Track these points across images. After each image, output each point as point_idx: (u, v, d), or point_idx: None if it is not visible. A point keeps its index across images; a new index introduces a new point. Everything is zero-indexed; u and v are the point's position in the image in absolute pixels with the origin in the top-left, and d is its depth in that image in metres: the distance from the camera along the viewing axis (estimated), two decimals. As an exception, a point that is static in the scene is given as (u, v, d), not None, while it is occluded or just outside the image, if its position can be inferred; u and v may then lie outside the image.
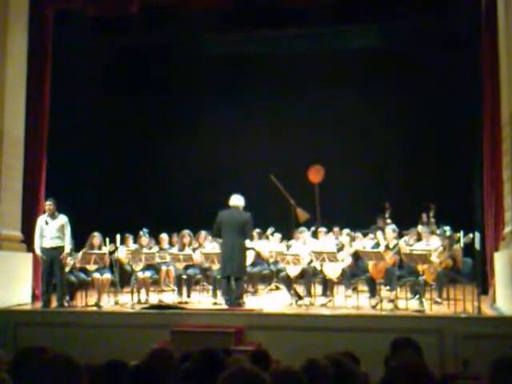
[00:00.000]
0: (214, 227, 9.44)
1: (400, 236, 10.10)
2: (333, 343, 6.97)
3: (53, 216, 9.46)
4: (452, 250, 9.19)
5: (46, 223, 9.40)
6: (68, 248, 9.48)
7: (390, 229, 9.70)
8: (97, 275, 9.82)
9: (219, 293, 10.05)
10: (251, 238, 10.39)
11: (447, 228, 10.53)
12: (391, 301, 9.07)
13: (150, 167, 14.50)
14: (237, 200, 9.42)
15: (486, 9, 9.82)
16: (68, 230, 9.49)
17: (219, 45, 13.83)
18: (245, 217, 9.30)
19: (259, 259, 11.14)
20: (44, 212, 9.71)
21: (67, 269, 9.69)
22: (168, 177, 14.21)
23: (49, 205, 9.51)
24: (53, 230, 9.42)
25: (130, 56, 13.96)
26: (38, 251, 9.48)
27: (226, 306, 9.21)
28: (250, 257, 10.38)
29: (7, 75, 9.98)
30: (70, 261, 9.74)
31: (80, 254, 9.78)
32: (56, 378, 2.71)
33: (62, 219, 9.50)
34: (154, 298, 10.31)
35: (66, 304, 9.47)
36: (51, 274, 9.33)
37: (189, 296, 10.36)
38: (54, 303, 9.37)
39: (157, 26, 12.10)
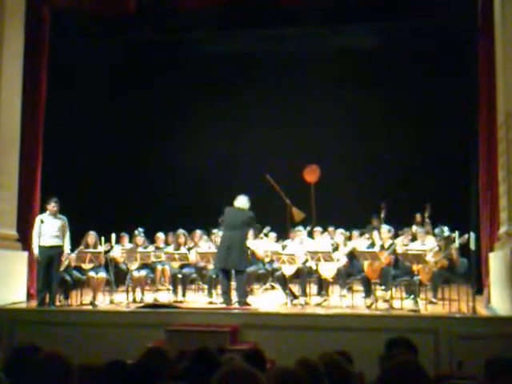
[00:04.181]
0: (221, 218, 9.80)
1: (395, 236, 10.12)
2: (328, 343, 6.96)
3: (54, 215, 9.46)
4: (448, 250, 9.21)
5: (48, 222, 9.38)
6: (68, 248, 9.51)
7: (386, 229, 9.72)
8: (92, 274, 9.82)
9: (214, 292, 10.08)
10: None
11: (445, 228, 10.54)
12: (386, 300, 9.08)
13: (146, 166, 14.49)
14: (241, 201, 9.50)
15: (482, 10, 9.84)
16: (68, 231, 9.52)
17: (218, 43, 13.81)
18: (246, 215, 9.39)
19: (254, 258, 11.14)
20: (44, 211, 9.67)
21: (62, 268, 9.67)
22: (164, 176, 14.20)
23: (54, 204, 9.46)
24: (53, 229, 9.40)
25: (127, 54, 13.93)
26: (36, 250, 9.46)
27: (221, 305, 9.25)
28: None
29: (3, 72, 9.95)
30: (64, 259, 9.72)
31: (75, 252, 9.78)
32: (48, 377, 2.71)
33: (63, 219, 9.52)
34: (149, 297, 10.30)
35: (58, 303, 9.46)
36: (48, 273, 9.30)
37: (184, 295, 10.36)
38: (49, 302, 9.37)
39: (155, 23, 12.09)
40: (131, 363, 3.74)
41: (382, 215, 11.96)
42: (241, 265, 9.36)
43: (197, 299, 10.31)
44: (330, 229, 11.63)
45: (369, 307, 9.05)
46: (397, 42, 12.98)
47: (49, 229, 9.39)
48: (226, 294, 9.23)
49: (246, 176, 12.94)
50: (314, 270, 9.69)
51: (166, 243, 11.25)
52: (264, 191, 11.10)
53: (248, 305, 9.11)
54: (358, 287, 9.87)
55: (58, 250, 9.39)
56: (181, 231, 10.77)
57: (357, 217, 12.08)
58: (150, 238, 11.03)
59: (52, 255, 9.31)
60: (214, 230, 11.37)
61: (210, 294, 10.13)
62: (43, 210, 9.90)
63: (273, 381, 2.92)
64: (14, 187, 10.20)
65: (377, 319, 8.12)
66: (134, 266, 10.22)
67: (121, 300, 10.06)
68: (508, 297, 8.01)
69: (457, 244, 9.18)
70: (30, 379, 2.78)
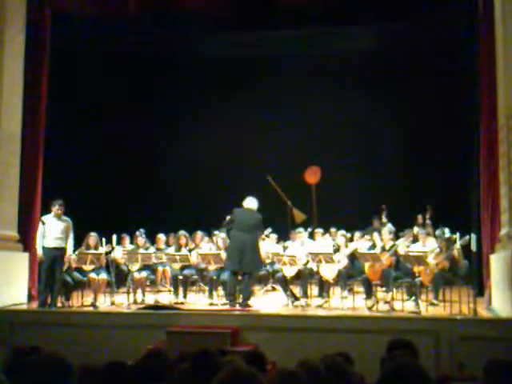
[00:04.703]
0: (226, 220, 9.68)
1: (396, 237, 10.11)
2: (329, 344, 6.96)
3: (58, 217, 9.46)
4: (450, 252, 9.20)
5: (52, 223, 9.38)
6: (71, 250, 9.52)
7: (387, 230, 9.72)
8: (93, 275, 9.81)
9: (215, 293, 10.08)
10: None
11: (446, 230, 10.52)
12: (387, 302, 9.07)
13: (147, 168, 14.48)
14: (251, 202, 9.57)
15: (483, 11, 9.82)
16: (71, 233, 9.54)
17: (218, 45, 13.80)
18: (257, 217, 9.48)
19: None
20: (47, 212, 9.67)
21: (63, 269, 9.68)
22: (165, 177, 14.20)
23: (59, 207, 9.46)
24: (57, 231, 9.41)
25: (129, 56, 13.94)
26: (39, 251, 9.46)
27: (222, 307, 9.24)
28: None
29: (5, 72, 9.96)
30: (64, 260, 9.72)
31: (76, 253, 9.78)
32: (48, 378, 2.71)
33: (68, 221, 9.54)
34: (150, 299, 10.30)
35: (59, 304, 9.46)
36: (51, 274, 9.29)
37: (185, 296, 10.36)
38: (50, 303, 9.36)
39: (156, 26, 12.09)
40: (131, 364, 3.74)
41: (383, 216, 11.97)
42: (256, 267, 9.41)
43: (197, 301, 10.30)
44: (332, 230, 11.63)
45: (370, 309, 9.04)
46: (397, 42, 12.97)
47: (52, 231, 9.40)
48: (233, 295, 9.25)
49: (247, 177, 12.94)
50: (314, 272, 9.69)
51: (167, 244, 11.24)
52: (265, 193, 11.13)
53: (249, 306, 9.11)
54: (359, 289, 9.85)
55: (61, 251, 9.39)
56: (182, 232, 10.77)
57: (358, 218, 12.08)
58: (151, 240, 11.03)
59: (55, 257, 9.32)
60: (215, 232, 11.39)
61: (210, 295, 10.14)
62: (44, 211, 9.91)
63: (274, 383, 2.92)
64: (15, 188, 10.19)
65: (378, 321, 8.12)
66: (134, 267, 10.22)
67: (122, 301, 10.05)
68: (509, 298, 7.99)
69: (458, 245, 9.18)
70: (30, 380, 2.78)
